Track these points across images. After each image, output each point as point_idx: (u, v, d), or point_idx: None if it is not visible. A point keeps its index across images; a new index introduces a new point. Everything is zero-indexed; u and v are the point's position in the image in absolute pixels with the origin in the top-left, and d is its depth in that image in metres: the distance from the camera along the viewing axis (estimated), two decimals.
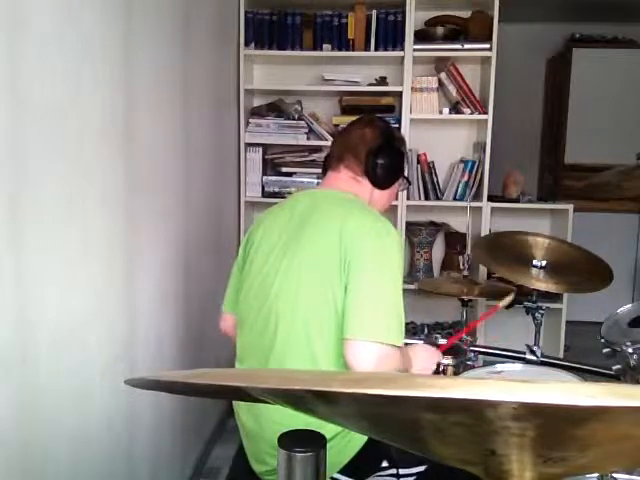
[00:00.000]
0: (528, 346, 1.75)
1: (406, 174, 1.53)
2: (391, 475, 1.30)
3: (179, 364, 2.02)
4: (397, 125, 2.85)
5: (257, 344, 1.34)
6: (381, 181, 1.43)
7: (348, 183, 1.42)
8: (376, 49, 2.84)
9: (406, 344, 1.34)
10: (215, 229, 2.53)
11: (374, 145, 1.41)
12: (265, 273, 1.34)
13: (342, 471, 1.27)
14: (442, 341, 1.73)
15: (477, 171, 2.95)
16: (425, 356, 1.40)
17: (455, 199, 2.98)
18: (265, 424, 1.28)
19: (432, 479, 1.30)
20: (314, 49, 2.88)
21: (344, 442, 1.26)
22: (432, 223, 3.12)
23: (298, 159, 2.98)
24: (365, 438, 1.28)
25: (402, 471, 1.30)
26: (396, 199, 2.86)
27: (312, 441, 0.57)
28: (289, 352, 1.27)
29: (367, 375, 0.39)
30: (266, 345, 1.31)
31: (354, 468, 1.28)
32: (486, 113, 2.85)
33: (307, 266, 1.27)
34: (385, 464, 1.30)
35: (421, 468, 1.31)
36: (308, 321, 1.26)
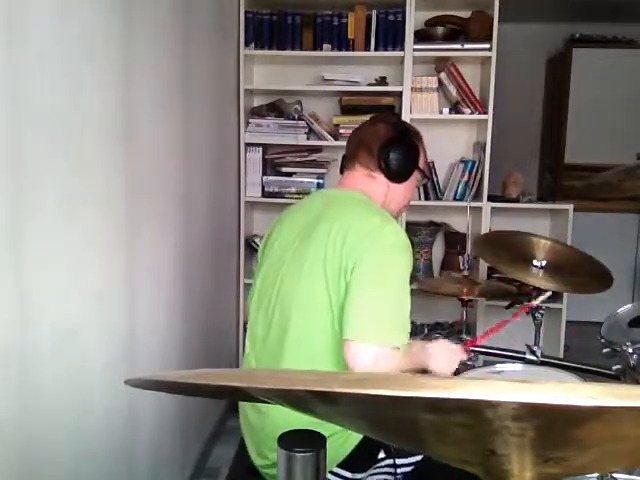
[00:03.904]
0: (528, 346, 1.75)
1: (422, 167, 1.49)
2: (389, 466, 1.31)
3: (179, 364, 2.02)
4: None
5: (263, 340, 1.36)
6: (395, 174, 1.41)
7: (363, 181, 1.43)
8: (376, 49, 2.84)
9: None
10: (215, 229, 2.53)
11: (386, 139, 1.40)
12: (275, 272, 1.36)
13: (342, 465, 1.28)
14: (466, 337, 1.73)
15: (477, 171, 2.94)
16: (445, 356, 1.35)
17: (455, 199, 2.98)
18: (268, 419, 1.29)
19: (429, 468, 1.30)
20: (314, 49, 2.88)
21: (344, 436, 1.27)
22: (432, 223, 3.12)
23: (298, 159, 2.98)
24: None
25: (399, 461, 1.31)
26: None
27: (312, 441, 0.57)
28: (289, 351, 1.29)
29: (367, 375, 0.39)
30: (273, 341, 1.33)
31: (353, 461, 1.29)
32: (486, 113, 2.85)
33: (310, 266, 1.28)
34: (382, 455, 1.31)
35: (418, 457, 1.32)
36: (307, 321, 1.27)
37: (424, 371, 1.34)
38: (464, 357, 1.39)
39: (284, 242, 1.38)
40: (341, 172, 1.50)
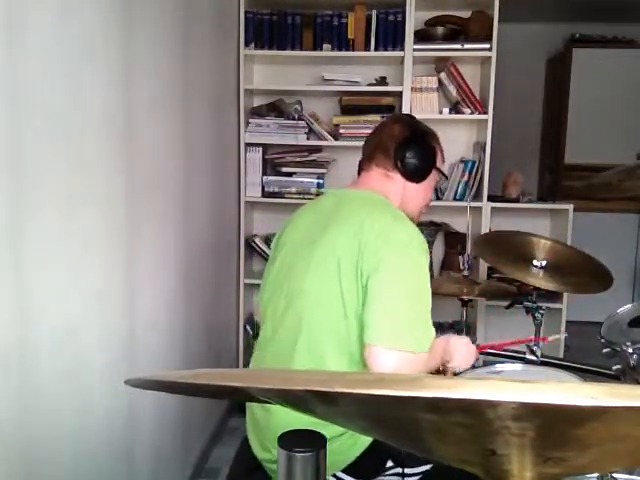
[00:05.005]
0: (528, 346, 1.75)
1: (441, 168, 1.50)
2: (396, 474, 1.30)
3: (179, 364, 2.02)
4: None
5: (272, 341, 1.35)
6: (412, 173, 1.41)
7: (379, 181, 1.42)
8: (376, 49, 2.84)
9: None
10: (215, 229, 2.53)
11: (401, 138, 1.41)
12: (285, 272, 1.36)
13: (347, 470, 1.26)
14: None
15: (477, 171, 2.94)
16: (467, 352, 1.38)
17: (455, 199, 2.98)
18: (274, 417, 1.28)
19: (437, 478, 1.30)
20: (314, 49, 2.88)
21: (351, 441, 1.25)
22: (432, 223, 3.12)
23: (298, 159, 2.98)
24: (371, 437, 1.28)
25: (407, 470, 1.29)
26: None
27: (312, 441, 0.57)
28: (299, 353, 1.28)
29: (367, 375, 0.39)
30: (282, 343, 1.32)
31: (359, 468, 1.27)
32: (486, 113, 2.85)
33: (320, 267, 1.27)
34: (390, 464, 1.29)
35: (427, 467, 1.30)
36: (318, 324, 1.26)
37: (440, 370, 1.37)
38: (477, 358, 1.43)
39: (293, 243, 1.38)
40: (358, 175, 1.50)
